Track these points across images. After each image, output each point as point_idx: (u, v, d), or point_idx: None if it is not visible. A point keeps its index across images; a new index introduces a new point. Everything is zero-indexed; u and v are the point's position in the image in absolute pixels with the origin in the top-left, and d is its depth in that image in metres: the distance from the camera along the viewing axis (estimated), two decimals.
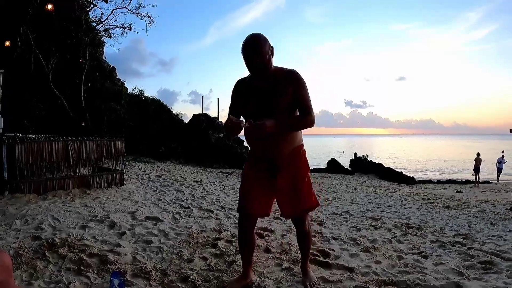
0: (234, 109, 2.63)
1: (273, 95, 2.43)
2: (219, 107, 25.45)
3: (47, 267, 3.06)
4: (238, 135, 2.74)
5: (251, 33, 2.45)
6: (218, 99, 25.36)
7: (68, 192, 7.04)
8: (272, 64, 2.48)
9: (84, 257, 3.21)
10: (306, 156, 2.73)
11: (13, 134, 7.93)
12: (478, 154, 21.74)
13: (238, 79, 2.70)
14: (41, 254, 3.32)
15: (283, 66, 2.54)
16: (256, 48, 2.37)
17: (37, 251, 3.39)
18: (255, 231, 2.97)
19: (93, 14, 18.67)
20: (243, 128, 2.31)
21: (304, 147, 2.72)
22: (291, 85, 2.44)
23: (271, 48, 2.44)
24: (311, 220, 5.35)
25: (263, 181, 2.64)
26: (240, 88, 2.64)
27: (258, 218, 2.88)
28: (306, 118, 2.49)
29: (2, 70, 6.90)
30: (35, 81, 15.28)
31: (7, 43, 12.03)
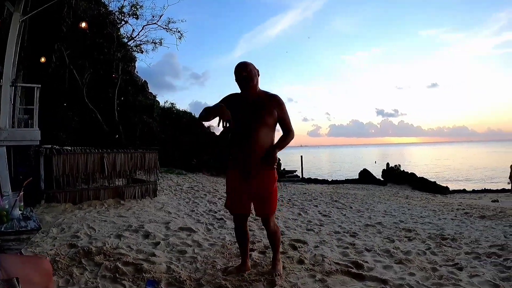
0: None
1: (263, 109, 2.94)
2: None
3: (83, 274, 3.12)
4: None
5: None
6: None
7: (103, 202, 7.22)
8: (257, 84, 3.03)
9: (120, 265, 3.26)
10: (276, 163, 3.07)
11: (50, 146, 8.24)
12: None
13: (231, 93, 3.15)
14: (77, 262, 3.39)
15: (267, 91, 3.07)
16: (244, 65, 2.96)
17: (73, 259, 3.47)
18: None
19: (125, 30, 19.27)
20: (221, 125, 2.83)
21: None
22: (276, 108, 2.99)
23: (258, 71, 3.03)
24: (344, 232, 5.36)
25: (241, 183, 3.03)
26: (233, 100, 3.06)
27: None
28: (290, 135, 3.09)
29: (39, 86, 7.23)
30: (70, 95, 15.89)
31: (43, 59, 12.43)
